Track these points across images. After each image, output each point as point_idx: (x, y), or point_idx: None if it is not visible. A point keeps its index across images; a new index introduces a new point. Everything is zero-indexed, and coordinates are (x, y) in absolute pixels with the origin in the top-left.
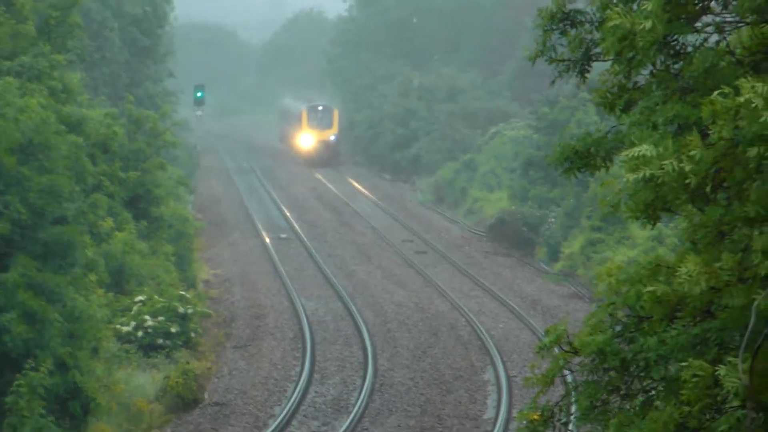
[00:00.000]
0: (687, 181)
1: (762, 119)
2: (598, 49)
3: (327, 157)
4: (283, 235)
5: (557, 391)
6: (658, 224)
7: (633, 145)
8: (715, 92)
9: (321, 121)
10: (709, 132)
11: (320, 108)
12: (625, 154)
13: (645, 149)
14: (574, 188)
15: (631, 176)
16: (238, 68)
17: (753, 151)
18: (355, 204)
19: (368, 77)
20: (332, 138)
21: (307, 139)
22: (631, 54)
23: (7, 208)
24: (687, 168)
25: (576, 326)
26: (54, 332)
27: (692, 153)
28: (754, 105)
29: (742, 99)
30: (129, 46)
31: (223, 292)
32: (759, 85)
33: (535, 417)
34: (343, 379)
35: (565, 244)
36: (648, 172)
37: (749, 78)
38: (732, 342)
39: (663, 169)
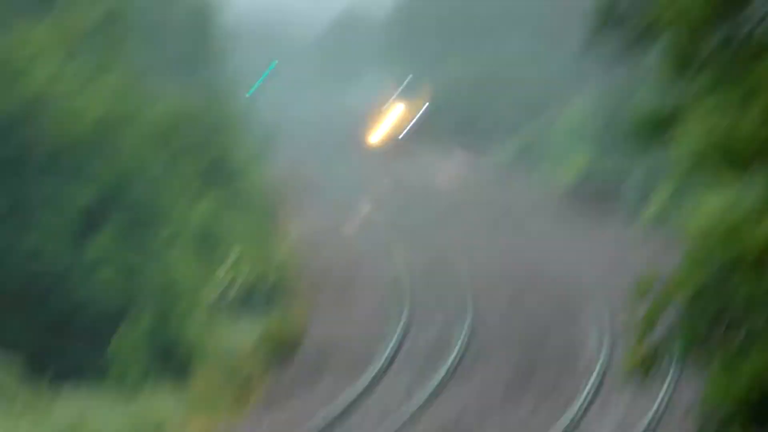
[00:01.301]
0: (747, 136)
1: None
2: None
3: (415, 136)
4: (362, 205)
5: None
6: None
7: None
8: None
9: (408, 94)
10: None
11: (406, 81)
12: (687, 116)
13: (705, 109)
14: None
15: (691, 134)
16: (301, 50)
17: None
18: (433, 171)
19: (434, 48)
20: (420, 112)
21: (392, 116)
22: (694, 25)
23: (98, 172)
24: (754, 122)
25: (669, 275)
26: (152, 287)
27: (757, 108)
28: None
29: None
30: (192, 34)
31: (314, 252)
32: None
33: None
34: (443, 323)
35: (650, 198)
36: (708, 130)
37: None
38: None
39: (724, 125)
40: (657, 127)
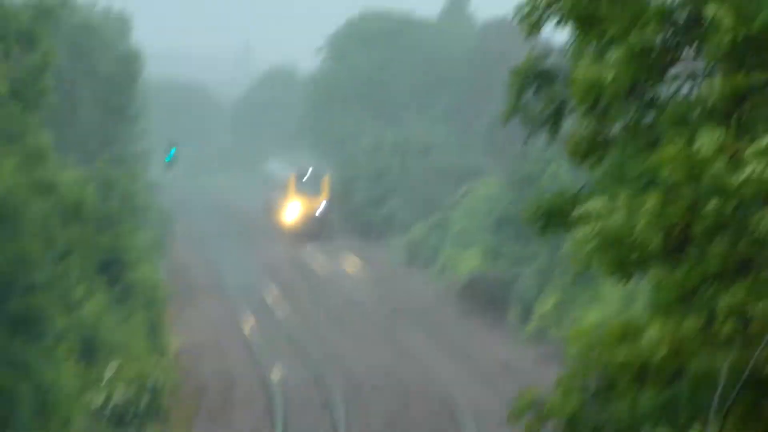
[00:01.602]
0: (636, 236)
1: (713, 171)
2: (570, 106)
3: (317, 229)
4: (256, 302)
5: None
6: (630, 283)
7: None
8: (667, 142)
9: (310, 187)
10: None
11: (309, 172)
12: (578, 211)
13: (596, 204)
14: (548, 245)
15: (581, 231)
16: (210, 127)
17: (711, 204)
18: (329, 267)
19: (340, 133)
20: (322, 206)
21: (294, 208)
22: (600, 105)
23: None
24: (641, 222)
25: (550, 386)
26: (23, 408)
27: (646, 207)
28: (701, 156)
29: (694, 148)
30: (101, 107)
31: (194, 360)
32: (715, 133)
33: None
34: None
35: (538, 303)
36: (597, 227)
37: (710, 128)
38: (703, 405)
39: (613, 223)
40: (553, 219)
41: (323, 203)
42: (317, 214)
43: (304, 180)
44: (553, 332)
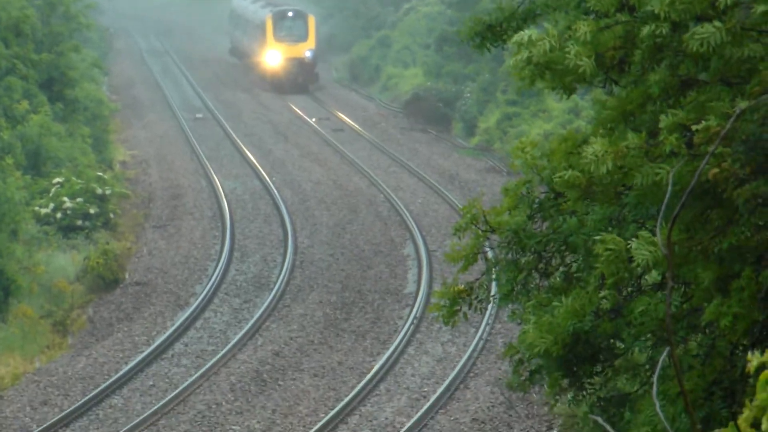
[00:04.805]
0: (568, 61)
1: None
2: None
3: (302, 81)
4: (198, 115)
5: (477, 268)
6: (574, 96)
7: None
8: None
9: (292, 32)
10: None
11: (290, 14)
12: (512, 41)
13: (528, 33)
14: (489, 63)
15: (512, 59)
16: None
17: (645, 30)
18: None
19: None
20: (307, 54)
21: (274, 56)
22: None
23: None
24: (572, 51)
25: (494, 198)
26: None
27: (578, 34)
28: None
29: None
30: None
31: (141, 173)
32: None
33: (460, 289)
34: (264, 257)
35: (481, 118)
36: (525, 55)
37: None
38: (650, 215)
39: (543, 51)
40: (490, 36)
41: (309, 51)
42: (304, 61)
43: (284, 23)
44: (497, 146)
